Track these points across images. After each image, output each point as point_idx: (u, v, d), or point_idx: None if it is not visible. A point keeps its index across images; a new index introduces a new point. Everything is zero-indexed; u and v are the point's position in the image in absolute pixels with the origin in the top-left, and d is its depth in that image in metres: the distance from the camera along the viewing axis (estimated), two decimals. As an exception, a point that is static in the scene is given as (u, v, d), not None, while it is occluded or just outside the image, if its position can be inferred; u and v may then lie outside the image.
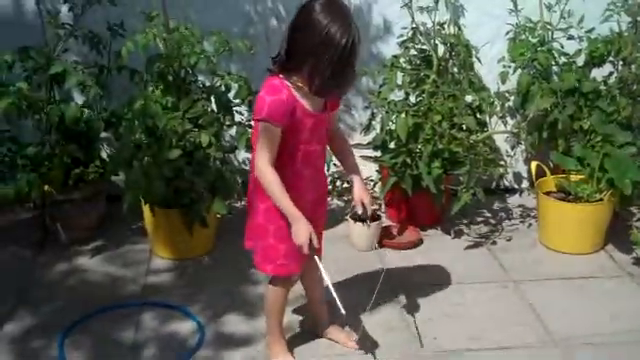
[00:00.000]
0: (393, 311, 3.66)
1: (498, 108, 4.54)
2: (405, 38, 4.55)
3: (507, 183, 5.22)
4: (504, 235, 4.53)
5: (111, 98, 4.38)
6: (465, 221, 4.67)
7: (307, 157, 2.93)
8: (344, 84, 2.78)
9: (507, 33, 4.70)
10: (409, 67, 4.50)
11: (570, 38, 4.62)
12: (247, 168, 4.55)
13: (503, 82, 4.57)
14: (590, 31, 4.58)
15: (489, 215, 4.81)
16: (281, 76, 2.79)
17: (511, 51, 4.63)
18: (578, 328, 3.53)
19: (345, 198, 4.76)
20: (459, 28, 4.63)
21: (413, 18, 4.46)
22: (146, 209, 4.10)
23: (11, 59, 4.08)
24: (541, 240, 4.40)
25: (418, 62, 4.57)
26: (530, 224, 4.66)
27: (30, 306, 3.70)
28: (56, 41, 4.26)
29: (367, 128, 4.49)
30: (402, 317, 3.61)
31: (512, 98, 4.66)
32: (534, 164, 4.46)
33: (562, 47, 4.63)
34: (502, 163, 4.89)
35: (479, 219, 4.74)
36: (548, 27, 4.65)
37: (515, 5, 4.66)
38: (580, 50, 4.63)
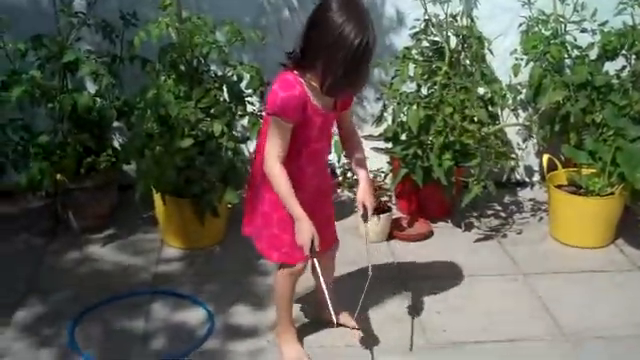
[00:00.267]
0: (402, 303, 3.67)
1: (510, 101, 4.52)
2: (417, 30, 4.53)
3: (518, 176, 5.21)
4: (514, 228, 4.53)
5: (123, 87, 4.38)
6: (475, 214, 4.66)
7: (313, 154, 2.96)
8: (356, 84, 2.77)
9: (520, 25, 4.69)
10: (421, 59, 4.48)
11: (583, 31, 4.60)
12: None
13: (515, 75, 4.55)
14: (603, 24, 4.55)
15: (500, 208, 4.80)
16: (295, 72, 2.79)
17: (524, 44, 4.62)
18: (588, 321, 3.54)
19: (355, 190, 4.74)
20: (472, 20, 4.61)
21: (426, 9, 4.44)
22: (157, 198, 4.12)
23: (24, 47, 4.11)
24: (552, 234, 4.40)
25: (430, 54, 4.55)
26: (541, 217, 4.65)
27: (41, 294, 3.72)
28: (69, 30, 4.26)
29: (379, 120, 4.48)
30: (410, 309, 3.62)
31: (524, 91, 4.64)
32: (545, 157, 4.45)
33: (575, 40, 4.61)
34: (513, 156, 4.88)
35: (490, 212, 4.74)
36: (561, 20, 4.63)
37: (528, -3, 4.66)
38: (593, 43, 4.61)
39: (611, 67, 4.65)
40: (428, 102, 4.31)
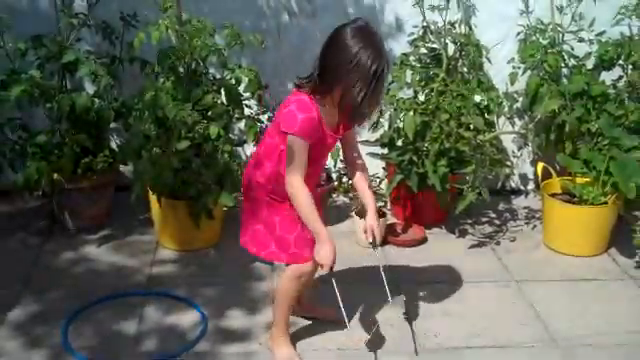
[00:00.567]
0: (394, 308, 3.67)
1: (506, 109, 4.55)
2: (416, 36, 4.56)
3: (513, 184, 5.23)
4: (508, 236, 4.55)
5: (122, 88, 4.42)
6: (470, 221, 4.68)
7: (316, 170, 3.10)
8: (373, 107, 2.89)
9: (518, 34, 4.71)
10: (419, 65, 4.51)
11: (580, 41, 4.62)
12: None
13: (512, 83, 4.58)
14: (601, 34, 4.57)
15: (494, 216, 4.82)
16: (309, 95, 2.87)
17: (521, 52, 4.64)
18: (579, 329, 3.56)
19: (351, 195, 4.77)
20: (470, 28, 4.64)
21: (424, 17, 4.48)
22: (153, 200, 4.14)
23: (24, 47, 4.14)
24: (545, 242, 4.42)
25: (428, 61, 4.59)
26: (535, 226, 4.68)
27: (36, 293, 3.73)
28: (69, 30, 4.30)
29: (375, 125, 4.50)
30: (403, 314, 3.61)
31: (520, 99, 4.67)
32: (540, 165, 4.47)
33: (572, 49, 4.63)
34: (508, 164, 4.90)
35: (484, 219, 4.76)
36: (559, 29, 4.66)
37: (526, 6, 4.69)
38: (590, 53, 4.64)
39: (608, 77, 4.67)
40: (424, 108, 4.33)
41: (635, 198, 4.05)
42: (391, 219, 4.58)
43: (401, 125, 4.35)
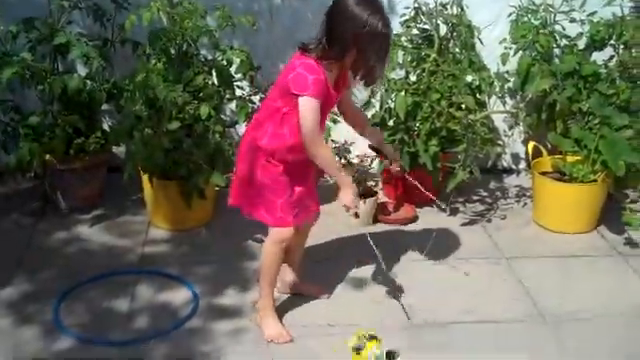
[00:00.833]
0: (383, 285, 3.71)
1: (497, 88, 4.55)
2: (407, 17, 4.56)
3: (505, 164, 5.25)
4: (499, 214, 4.58)
5: (114, 70, 4.43)
6: (461, 199, 4.70)
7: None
8: (383, 68, 3.05)
9: (509, 15, 4.70)
10: (410, 46, 4.52)
11: (572, 21, 4.61)
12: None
13: (504, 63, 4.58)
14: (592, 14, 4.57)
15: (485, 194, 4.85)
16: (316, 60, 2.97)
17: (513, 33, 4.64)
18: (567, 305, 3.59)
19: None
20: (462, 8, 4.62)
21: (416, -3, 4.49)
22: (145, 180, 4.16)
23: (16, 30, 4.15)
24: (535, 219, 4.44)
25: (420, 41, 4.59)
26: (525, 203, 4.70)
27: (28, 272, 3.76)
28: (61, 13, 4.30)
29: (366, 106, 4.52)
30: (392, 291, 3.65)
31: (512, 79, 4.66)
32: (531, 144, 4.48)
33: (564, 30, 4.63)
34: (500, 143, 4.90)
35: (475, 198, 4.79)
36: (550, 10, 4.65)
37: (518, -13, 4.68)
38: (582, 33, 4.64)
39: (599, 57, 4.67)
40: (416, 89, 4.34)
41: (624, 176, 4.07)
42: (382, 198, 4.60)
43: (392, 105, 4.37)
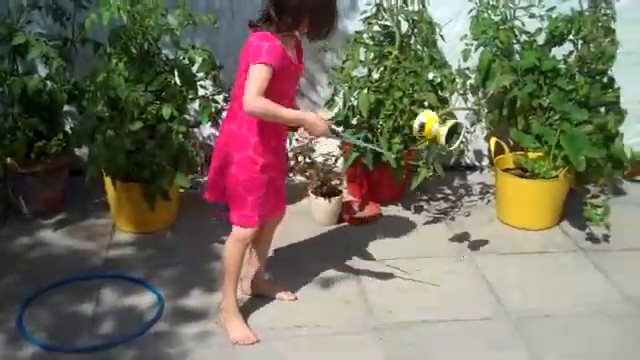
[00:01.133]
0: (350, 284, 3.73)
1: (459, 85, 4.56)
2: (369, 14, 4.57)
3: (468, 160, 5.29)
4: (463, 211, 4.61)
5: (75, 71, 4.38)
6: (425, 197, 4.73)
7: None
8: (334, 27, 3.10)
9: (470, 11, 4.73)
10: (372, 43, 4.53)
11: (531, 17, 4.65)
12: (212, 144, 4.59)
13: (465, 60, 4.60)
14: (551, 10, 4.62)
15: (449, 192, 4.88)
16: (271, 33, 2.98)
17: (473, 29, 4.67)
18: (531, 301, 3.63)
19: (307, 174, 4.78)
20: (423, 5, 4.64)
21: (377, -6, 4.49)
22: (108, 182, 4.12)
23: (-27, 30, 4.08)
24: (498, 216, 4.48)
25: (381, 38, 4.59)
26: (489, 200, 4.74)
27: (-10, 278, 3.72)
28: (20, 12, 4.25)
29: (330, 104, 4.52)
30: (359, 290, 3.67)
31: (473, 76, 4.69)
32: (493, 140, 4.51)
33: (523, 25, 4.67)
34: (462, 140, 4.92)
35: (439, 195, 4.82)
36: (510, 5, 4.68)
37: (478, -17, 4.71)
38: (541, 29, 4.68)
39: (558, 52, 4.72)
40: (378, 86, 4.35)
41: (585, 171, 4.13)
42: (347, 197, 4.61)
43: (355, 103, 4.38)
